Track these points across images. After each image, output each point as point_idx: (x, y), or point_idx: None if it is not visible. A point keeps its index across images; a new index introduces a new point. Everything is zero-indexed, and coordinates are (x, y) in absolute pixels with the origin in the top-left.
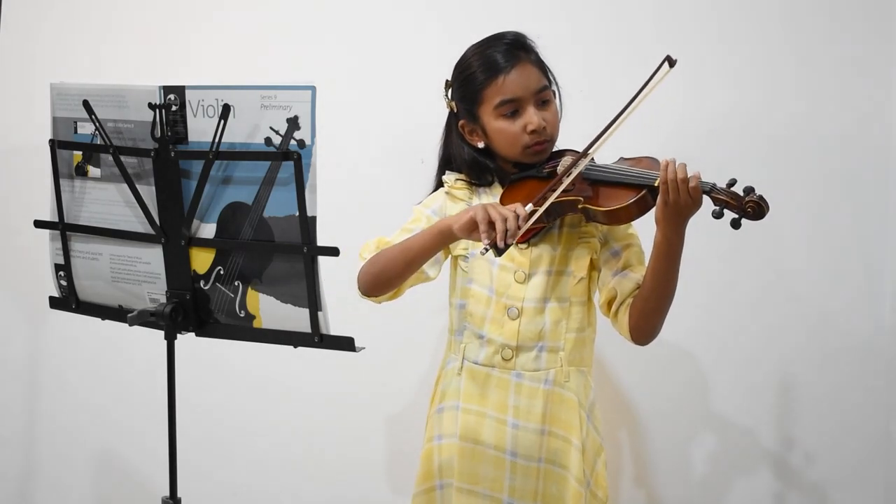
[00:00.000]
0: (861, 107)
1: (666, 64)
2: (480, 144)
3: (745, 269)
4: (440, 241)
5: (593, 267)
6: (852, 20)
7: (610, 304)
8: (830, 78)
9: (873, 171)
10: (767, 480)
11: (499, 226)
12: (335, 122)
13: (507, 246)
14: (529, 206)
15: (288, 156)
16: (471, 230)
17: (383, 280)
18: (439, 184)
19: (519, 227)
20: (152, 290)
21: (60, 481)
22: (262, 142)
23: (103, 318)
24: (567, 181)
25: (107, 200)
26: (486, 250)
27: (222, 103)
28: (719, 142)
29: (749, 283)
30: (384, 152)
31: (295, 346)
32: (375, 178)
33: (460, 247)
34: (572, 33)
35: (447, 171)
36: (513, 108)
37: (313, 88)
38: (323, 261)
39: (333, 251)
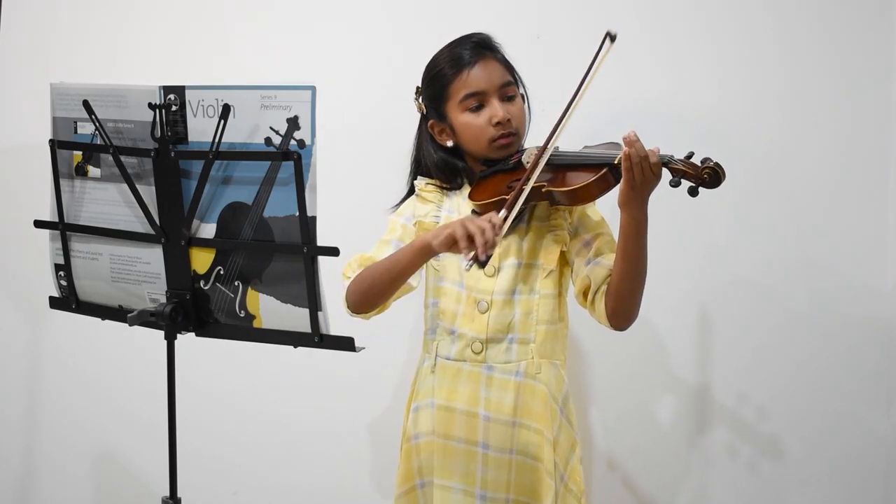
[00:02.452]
0: (856, 105)
1: (608, 40)
2: (450, 143)
3: (732, 265)
4: (421, 257)
5: (564, 261)
6: (852, 17)
7: (585, 293)
8: (824, 76)
9: (873, 167)
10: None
11: (478, 239)
12: (335, 122)
13: (488, 258)
14: (503, 212)
15: (288, 156)
16: (450, 245)
17: (371, 297)
18: (412, 188)
19: (496, 236)
20: (152, 290)
21: (61, 481)
22: (262, 142)
23: (103, 318)
24: (534, 177)
25: (107, 200)
26: (470, 265)
27: (222, 103)
28: (708, 142)
29: (735, 279)
30: (384, 152)
31: (295, 347)
32: (375, 178)
33: None
34: (565, 34)
35: (419, 176)
36: (477, 102)
37: (313, 88)
38: (323, 261)
39: (333, 251)
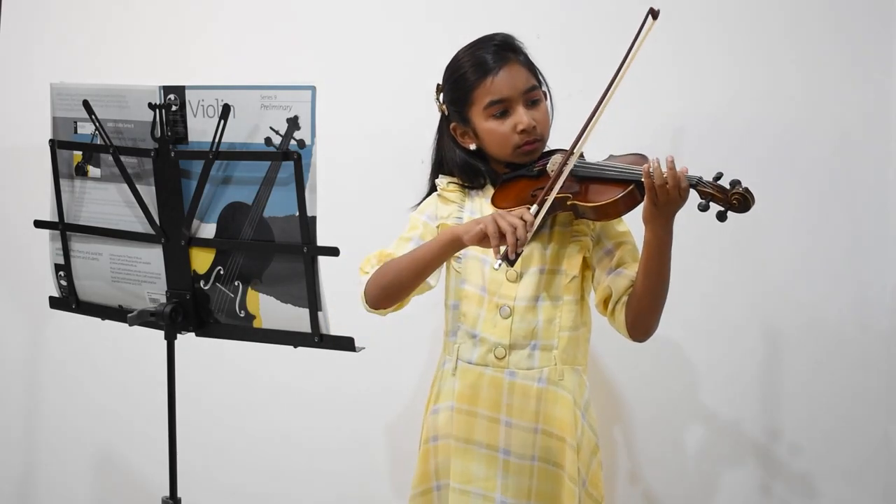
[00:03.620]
0: (861, 107)
1: (650, 17)
2: (472, 146)
3: (742, 270)
4: (450, 249)
5: (586, 266)
6: (853, 19)
7: (606, 303)
8: (830, 78)
9: (873, 171)
10: (762, 478)
11: (509, 238)
12: (335, 122)
13: (517, 256)
14: (534, 208)
15: (288, 156)
16: (481, 240)
17: (393, 292)
18: (433, 187)
19: (528, 234)
20: (152, 290)
21: (60, 481)
22: (262, 142)
23: (103, 318)
24: (564, 175)
25: (107, 200)
26: (500, 264)
27: (222, 103)
28: (716, 141)
29: (746, 284)
30: (384, 152)
31: (295, 346)
32: (375, 178)
33: None
34: (571, 31)
35: (440, 175)
36: (502, 109)
37: (313, 88)
38: (323, 261)
39: (333, 251)
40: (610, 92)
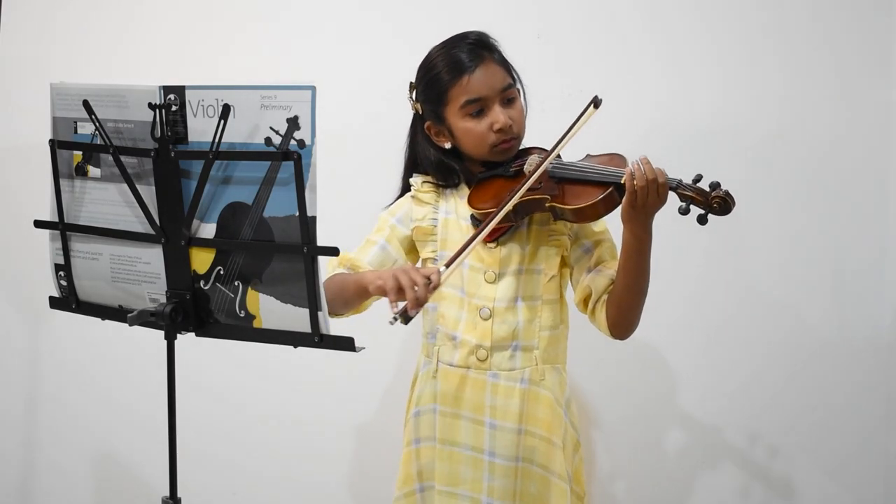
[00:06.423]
0: (855, 108)
1: (592, 106)
2: (447, 145)
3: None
4: (361, 295)
5: (564, 264)
6: (849, 19)
7: (586, 301)
8: (823, 78)
9: (867, 173)
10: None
11: (408, 294)
12: (335, 122)
13: (415, 314)
14: (443, 269)
15: (288, 156)
16: (382, 293)
17: (333, 306)
18: (406, 186)
19: (428, 294)
20: (152, 290)
21: (60, 481)
22: (262, 142)
23: (103, 318)
24: (521, 192)
25: (107, 200)
26: (394, 320)
27: (222, 103)
28: (707, 143)
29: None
30: (384, 152)
31: (295, 347)
32: (375, 178)
33: (428, 250)
34: (571, 31)
35: (414, 174)
36: (478, 108)
37: (313, 88)
38: (323, 261)
39: (333, 251)
40: (561, 145)
